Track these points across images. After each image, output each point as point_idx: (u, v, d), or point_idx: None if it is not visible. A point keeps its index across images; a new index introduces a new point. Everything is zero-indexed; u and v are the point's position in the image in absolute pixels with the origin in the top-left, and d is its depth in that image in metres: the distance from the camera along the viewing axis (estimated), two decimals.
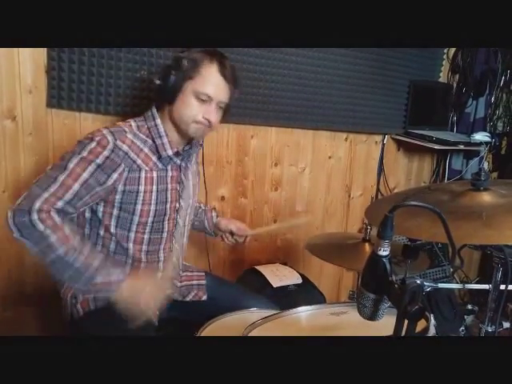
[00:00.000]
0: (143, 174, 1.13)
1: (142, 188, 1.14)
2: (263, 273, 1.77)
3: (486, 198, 0.92)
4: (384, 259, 0.66)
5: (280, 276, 1.77)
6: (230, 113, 1.66)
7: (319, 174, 2.09)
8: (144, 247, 1.20)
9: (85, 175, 1.05)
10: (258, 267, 1.84)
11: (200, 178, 1.45)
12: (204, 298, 1.33)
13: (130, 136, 1.12)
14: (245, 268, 1.90)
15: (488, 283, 0.99)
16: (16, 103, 1.34)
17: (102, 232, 1.16)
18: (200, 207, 1.51)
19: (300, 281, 1.76)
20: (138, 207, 1.15)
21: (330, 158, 2.09)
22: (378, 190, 2.29)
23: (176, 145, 1.19)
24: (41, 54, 1.34)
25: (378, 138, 2.23)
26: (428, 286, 0.76)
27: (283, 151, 1.94)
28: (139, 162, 1.13)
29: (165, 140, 1.17)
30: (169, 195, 1.20)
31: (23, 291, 1.47)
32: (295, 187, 2.03)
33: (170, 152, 1.17)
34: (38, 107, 1.37)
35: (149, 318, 1.07)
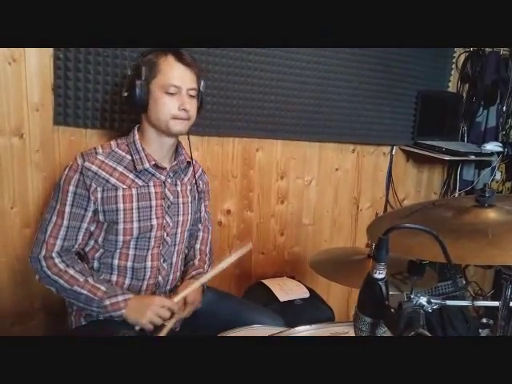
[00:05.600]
0: (120, 193, 1.16)
1: (120, 206, 1.16)
2: (270, 287, 1.76)
3: (491, 215, 0.89)
4: (380, 282, 0.64)
5: (287, 290, 1.75)
6: (235, 126, 1.70)
7: (326, 187, 2.07)
8: (129, 264, 1.21)
9: (67, 209, 1.14)
10: (264, 281, 1.82)
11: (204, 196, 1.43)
12: (176, 329, 1.28)
13: (100, 157, 1.16)
14: (252, 282, 1.88)
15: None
16: (23, 121, 1.36)
17: (88, 248, 1.22)
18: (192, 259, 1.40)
19: (307, 295, 1.74)
20: (121, 226, 1.17)
21: (336, 170, 2.08)
22: (386, 201, 2.25)
23: (155, 158, 1.20)
24: (47, 72, 1.37)
25: (386, 149, 2.20)
26: (435, 303, 0.73)
27: (289, 164, 1.93)
28: (113, 180, 1.16)
29: (142, 154, 1.19)
30: (153, 212, 1.21)
31: (31, 307, 1.48)
32: (302, 200, 2.01)
33: (146, 165, 1.19)
34: (45, 125, 1.40)
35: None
